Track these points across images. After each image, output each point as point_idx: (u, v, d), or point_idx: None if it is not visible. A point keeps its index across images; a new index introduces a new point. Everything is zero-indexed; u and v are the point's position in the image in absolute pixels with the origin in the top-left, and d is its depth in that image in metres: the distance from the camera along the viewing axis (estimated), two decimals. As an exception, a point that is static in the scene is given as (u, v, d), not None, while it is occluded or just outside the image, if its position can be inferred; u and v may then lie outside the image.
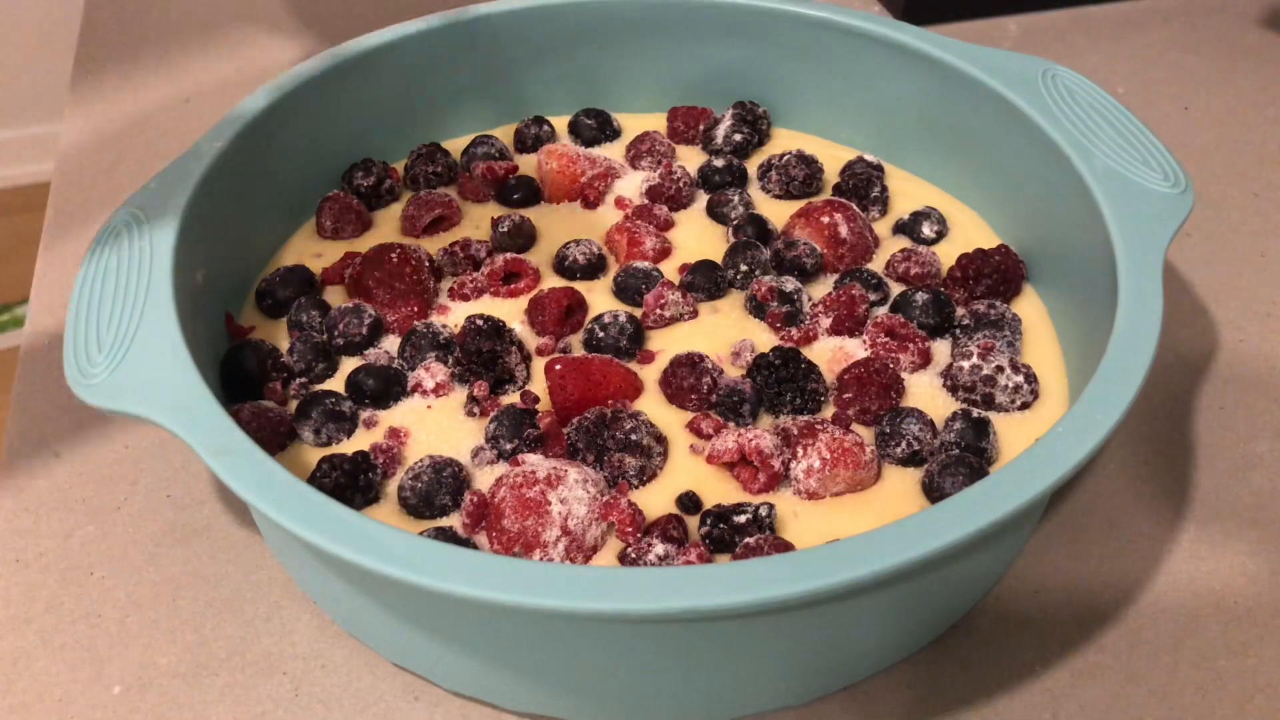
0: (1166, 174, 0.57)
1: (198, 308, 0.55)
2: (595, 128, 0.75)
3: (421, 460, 0.52)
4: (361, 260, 0.62)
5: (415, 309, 0.61)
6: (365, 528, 0.41)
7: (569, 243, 0.65)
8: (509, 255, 0.65)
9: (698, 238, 0.67)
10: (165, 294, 0.51)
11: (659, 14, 0.73)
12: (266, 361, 0.57)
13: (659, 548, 0.48)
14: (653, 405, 0.56)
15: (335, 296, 0.63)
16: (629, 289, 0.62)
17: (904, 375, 0.57)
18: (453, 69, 0.72)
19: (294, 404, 0.56)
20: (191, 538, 0.56)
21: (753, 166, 0.72)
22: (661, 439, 0.54)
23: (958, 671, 0.50)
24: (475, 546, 0.50)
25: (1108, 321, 0.49)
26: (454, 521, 0.51)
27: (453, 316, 0.61)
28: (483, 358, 0.56)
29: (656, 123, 0.76)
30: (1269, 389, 0.63)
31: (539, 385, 0.57)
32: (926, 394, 0.57)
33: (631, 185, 0.71)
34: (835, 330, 0.60)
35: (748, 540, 0.48)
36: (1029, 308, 0.62)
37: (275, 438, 0.54)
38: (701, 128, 0.75)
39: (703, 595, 0.38)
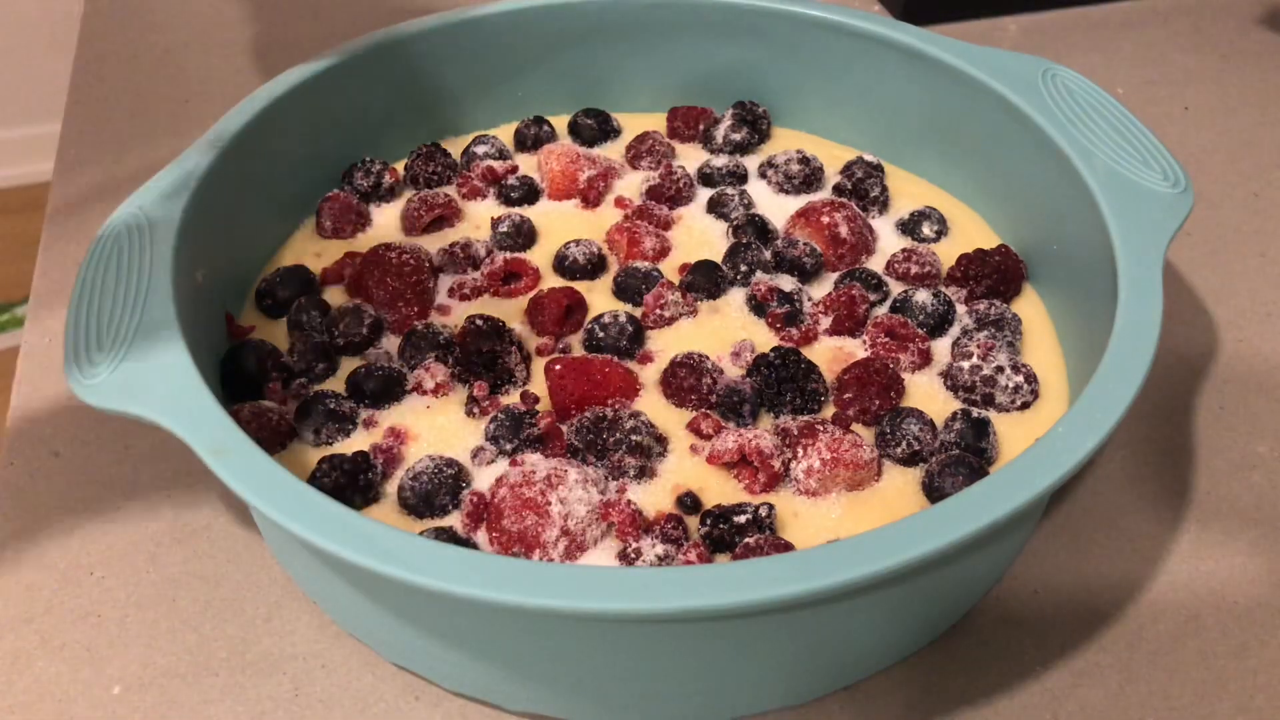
0: (1166, 174, 0.57)
1: (198, 308, 0.55)
2: (595, 128, 0.75)
3: (421, 460, 0.52)
4: (361, 260, 0.62)
5: (415, 309, 0.61)
6: (365, 528, 0.41)
7: (569, 243, 0.65)
8: (509, 255, 0.65)
9: (698, 237, 0.67)
10: (165, 294, 0.51)
11: (659, 14, 0.73)
12: (266, 361, 0.57)
13: (659, 547, 0.48)
14: (653, 405, 0.56)
15: (335, 296, 0.63)
16: (629, 289, 0.62)
17: (904, 375, 0.57)
18: (453, 69, 0.72)
19: (294, 404, 0.56)
20: (191, 538, 0.56)
21: (753, 166, 0.72)
22: (661, 439, 0.54)
23: (958, 671, 0.50)
24: (475, 546, 0.50)
25: (1108, 321, 0.49)
26: (454, 521, 0.51)
27: (453, 316, 0.61)
28: (483, 358, 0.56)
29: (656, 123, 0.76)
30: (1269, 389, 0.63)
31: (539, 385, 0.57)
32: (926, 394, 0.57)
33: (631, 185, 0.71)
34: (835, 330, 0.60)
35: (748, 540, 0.48)
36: (1029, 308, 0.62)
37: (275, 438, 0.54)
38: (701, 127, 0.75)
39: (702, 595, 0.38)
